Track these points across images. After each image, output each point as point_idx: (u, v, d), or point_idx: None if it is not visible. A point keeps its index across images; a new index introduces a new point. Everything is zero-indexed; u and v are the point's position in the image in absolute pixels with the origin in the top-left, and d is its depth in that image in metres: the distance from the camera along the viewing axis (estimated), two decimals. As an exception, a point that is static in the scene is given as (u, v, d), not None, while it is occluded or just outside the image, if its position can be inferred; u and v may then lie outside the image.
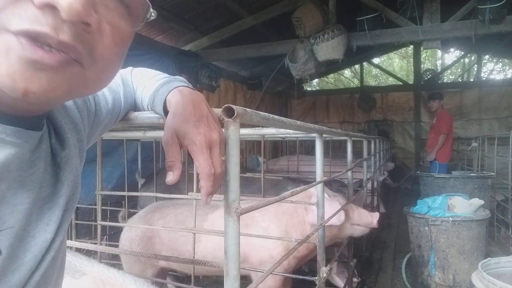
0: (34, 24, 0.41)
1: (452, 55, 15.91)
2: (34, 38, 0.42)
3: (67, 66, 0.45)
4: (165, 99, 0.73)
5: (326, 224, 1.99)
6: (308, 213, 2.12)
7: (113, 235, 3.26)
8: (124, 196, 2.76)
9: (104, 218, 3.03)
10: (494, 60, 14.38)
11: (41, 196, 0.54)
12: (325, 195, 1.83)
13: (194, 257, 1.97)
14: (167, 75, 0.82)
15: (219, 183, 0.67)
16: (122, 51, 0.53)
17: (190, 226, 1.99)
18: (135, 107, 0.85)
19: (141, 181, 3.68)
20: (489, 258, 2.38)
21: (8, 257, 0.48)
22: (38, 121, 0.54)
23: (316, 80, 12.97)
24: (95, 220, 2.41)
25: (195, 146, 0.63)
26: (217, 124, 0.69)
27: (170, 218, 2.34)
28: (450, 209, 3.27)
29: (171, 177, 0.65)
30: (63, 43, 0.43)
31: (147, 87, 0.80)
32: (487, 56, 11.94)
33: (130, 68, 0.86)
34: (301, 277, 1.81)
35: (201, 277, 3.14)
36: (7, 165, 0.47)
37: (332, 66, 7.24)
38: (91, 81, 0.50)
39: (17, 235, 0.49)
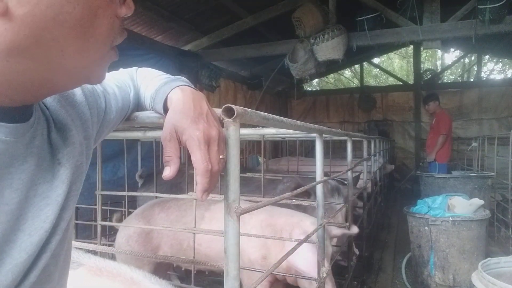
0: (122, 36, 0.55)
1: (452, 55, 15.95)
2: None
3: None
4: (167, 97, 0.73)
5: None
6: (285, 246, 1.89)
7: (114, 235, 3.25)
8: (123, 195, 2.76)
9: (104, 218, 3.03)
10: (494, 60, 14.38)
11: (35, 193, 0.52)
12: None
13: (194, 257, 1.97)
14: (170, 76, 0.82)
15: (216, 180, 0.66)
16: None
17: (193, 215, 1.96)
18: (139, 106, 0.85)
19: (140, 181, 3.69)
20: (489, 258, 2.38)
21: None
22: (25, 110, 0.51)
23: (316, 80, 12.99)
24: (95, 220, 2.41)
25: (193, 141, 0.63)
26: (217, 122, 0.69)
27: (173, 210, 2.34)
28: (450, 209, 3.27)
29: (168, 171, 0.65)
30: None
31: (149, 86, 0.80)
32: (487, 56, 11.94)
33: (135, 68, 0.87)
34: (301, 277, 1.81)
35: (206, 272, 3.10)
36: None
37: (332, 66, 7.22)
38: None
39: (3, 236, 0.47)
